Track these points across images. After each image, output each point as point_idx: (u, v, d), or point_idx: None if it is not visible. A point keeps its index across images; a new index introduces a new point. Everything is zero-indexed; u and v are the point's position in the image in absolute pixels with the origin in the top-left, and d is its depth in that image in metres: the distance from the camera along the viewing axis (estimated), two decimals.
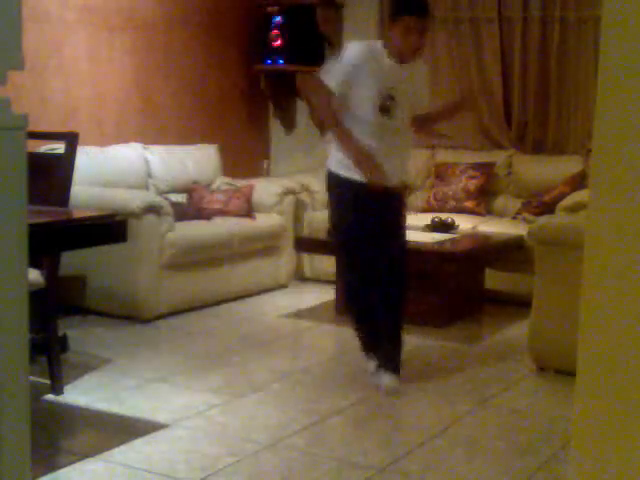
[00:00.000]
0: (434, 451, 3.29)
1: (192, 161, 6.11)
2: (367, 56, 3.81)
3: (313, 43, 6.87)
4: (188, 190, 5.89)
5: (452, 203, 6.28)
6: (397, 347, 3.99)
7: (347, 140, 3.80)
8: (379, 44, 3.90)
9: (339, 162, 3.89)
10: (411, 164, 4.19)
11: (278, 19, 6.77)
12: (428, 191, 6.53)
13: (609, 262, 1.49)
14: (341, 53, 3.92)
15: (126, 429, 3.46)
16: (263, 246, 5.86)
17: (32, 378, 3.65)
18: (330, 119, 3.87)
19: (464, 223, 5.76)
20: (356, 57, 3.80)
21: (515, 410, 3.78)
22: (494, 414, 3.72)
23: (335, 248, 4.20)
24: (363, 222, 3.86)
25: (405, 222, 4.12)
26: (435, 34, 6.74)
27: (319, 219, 6.26)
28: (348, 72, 3.78)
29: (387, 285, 3.92)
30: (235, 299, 5.60)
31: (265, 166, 7.25)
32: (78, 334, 4.66)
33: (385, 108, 3.82)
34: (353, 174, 3.82)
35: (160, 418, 3.54)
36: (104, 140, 5.73)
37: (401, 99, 3.87)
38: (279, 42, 6.79)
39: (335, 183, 3.93)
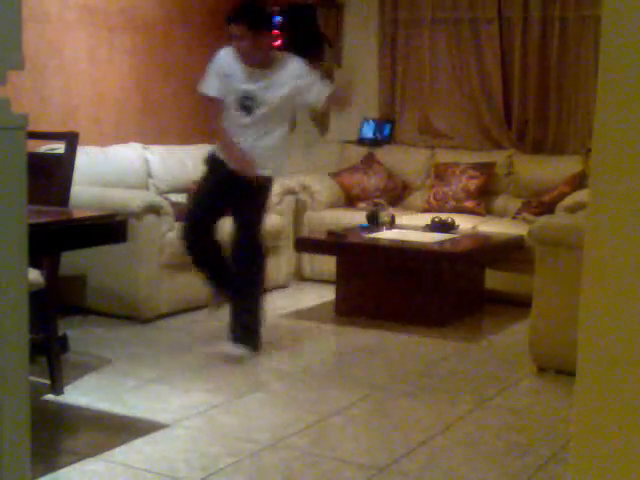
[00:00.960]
0: (434, 451, 3.29)
1: (192, 161, 6.10)
2: (226, 60, 4.37)
3: (313, 43, 6.87)
4: (188, 190, 5.89)
5: (452, 203, 6.27)
6: (246, 316, 4.44)
7: (226, 144, 4.40)
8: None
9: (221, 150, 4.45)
10: (282, 161, 4.56)
11: (278, 19, 6.77)
12: (428, 191, 6.53)
13: (609, 262, 1.49)
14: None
15: (126, 429, 3.46)
16: None
17: (32, 378, 3.64)
18: (216, 130, 4.47)
19: (464, 223, 5.76)
20: (219, 61, 4.40)
21: (515, 410, 3.78)
22: (494, 414, 3.72)
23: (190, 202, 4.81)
24: (212, 190, 4.47)
25: (255, 212, 4.46)
26: (435, 34, 6.75)
27: (319, 219, 6.27)
28: (218, 74, 4.37)
29: (235, 260, 4.47)
30: None
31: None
32: (78, 334, 4.66)
33: (243, 106, 4.34)
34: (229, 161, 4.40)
35: (160, 418, 3.54)
36: (104, 140, 5.73)
37: (263, 99, 4.33)
38: (279, 42, 6.79)
39: (213, 161, 4.47)
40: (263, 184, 4.42)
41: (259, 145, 4.38)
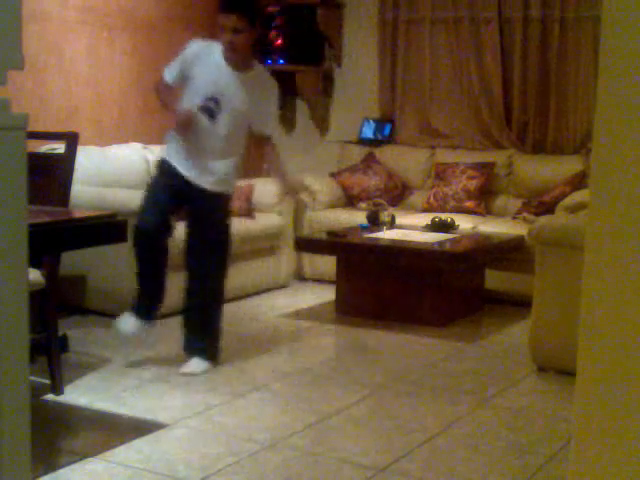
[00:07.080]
0: (434, 451, 3.29)
1: None
2: (200, 53, 4.01)
3: (313, 43, 6.87)
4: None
5: (452, 203, 6.27)
6: (201, 333, 4.22)
7: (171, 106, 4.09)
8: (218, 46, 4.00)
9: (174, 153, 4.14)
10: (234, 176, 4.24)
11: (278, 19, 6.77)
12: (428, 191, 6.53)
13: (609, 262, 1.49)
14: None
15: (126, 429, 3.46)
16: (263, 246, 5.86)
17: (32, 378, 3.64)
18: (162, 98, 4.16)
19: (464, 223, 5.76)
20: (191, 52, 4.04)
21: (515, 410, 3.78)
22: (494, 414, 3.72)
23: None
24: (160, 193, 4.09)
25: (215, 229, 4.13)
26: (435, 34, 6.75)
27: (319, 219, 6.27)
28: (182, 65, 4.04)
29: (189, 276, 4.24)
30: (235, 299, 5.60)
31: (265, 166, 7.24)
32: (78, 334, 4.66)
33: (207, 109, 3.98)
34: (180, 168, 4.09)
35: (160, 418, 3.54)
36: (104, 140, 5.73)
37: (228, 106, 3.98)
38: (279, 42, 6.80)
39: (164, 168, 4.16)
40: (217, 201, 4.11)
41: (211, 156, 4.06)
